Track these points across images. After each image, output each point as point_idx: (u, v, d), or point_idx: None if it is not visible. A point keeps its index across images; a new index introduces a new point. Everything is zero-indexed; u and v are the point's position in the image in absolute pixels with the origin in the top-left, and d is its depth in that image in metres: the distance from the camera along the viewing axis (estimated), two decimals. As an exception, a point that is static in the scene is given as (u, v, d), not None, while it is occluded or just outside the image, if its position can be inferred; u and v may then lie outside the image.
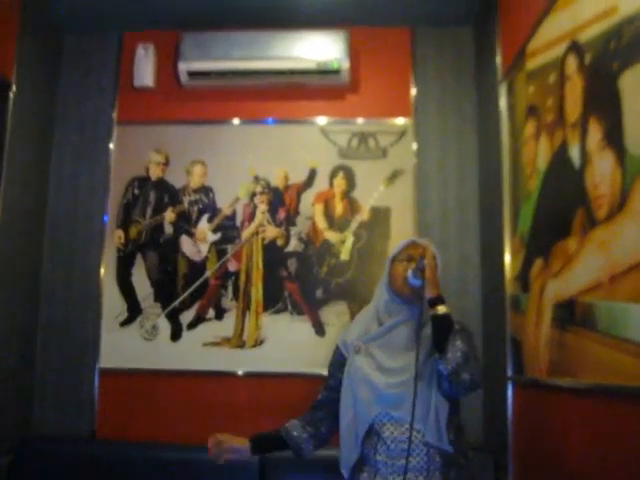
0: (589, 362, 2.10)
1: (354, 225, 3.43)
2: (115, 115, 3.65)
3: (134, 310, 3.43)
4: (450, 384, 2.08)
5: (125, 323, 3.42)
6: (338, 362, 2.30)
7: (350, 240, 3.41)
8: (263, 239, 3.44)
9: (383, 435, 2.11)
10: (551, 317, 2.40)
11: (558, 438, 2.40)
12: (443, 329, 2.07)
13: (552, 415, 2.46)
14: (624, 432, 1.90)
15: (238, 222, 3.48)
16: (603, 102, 2.03)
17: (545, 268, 2.46)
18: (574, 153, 2.23)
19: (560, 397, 2.36)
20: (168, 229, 3.49)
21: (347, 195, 3.48)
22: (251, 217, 3.47)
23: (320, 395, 2.33)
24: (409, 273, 2.14)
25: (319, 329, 3.36)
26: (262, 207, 3.47)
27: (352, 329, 2.33)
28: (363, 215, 3.44)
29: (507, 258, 2.94)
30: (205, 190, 3.52)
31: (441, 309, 2.08)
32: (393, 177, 3.48)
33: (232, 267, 3.43)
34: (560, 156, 2.36)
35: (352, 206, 3.47)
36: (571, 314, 2.22)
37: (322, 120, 3.58)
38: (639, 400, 1.80)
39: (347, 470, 2.18)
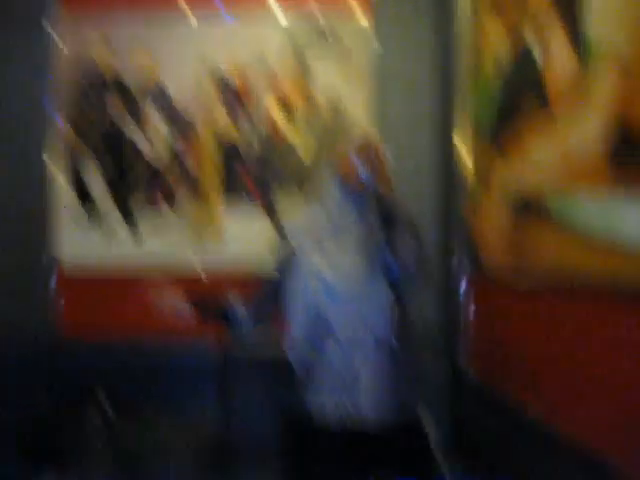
0: (546, 256, 2.13)
1: (311, 121, 3.38)
2: (59, 6, 3.44)
3: (88, 206, 3.39)
4: (399, 277, 2.13)
5: (79, 220, 3.38)
6: (286, 256, 2.28)
7: (307, 135, 3.38)
8: (218, 133, 3.38)
9: (332, 327, 2.14)
10: (506, 209, 2.42)
11: (515, 331, 2.48)
12: (392, 224, 2.07)
13: (509, 309, 2.52)
14: (581, 327, 1.96)
15: (193, 117, 3.39)
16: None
17: (503, 164, 2.46)
18: (534, 45, 2.19)
19: (517, 292, 2.41)
20: (120, 124, 3.39)
21: (305, 92, 3.40)
22: (206, 112, 3.39)
23: (265, 285, 2.33)
24: (359, 167, 2.11)
25: (276, 220, 3.37)
26: (217, 102, 3.39)
27: (300, 222, 2.32)
28: (320, 111, 3.38)
29: (463, 150, 2.94)
30: (158, 85, 3.41)
31: (391, 203, 2.07)
32: (351, 74, 3.39)
33: (187, 161, 3.38)
34: (519, 48, 2.33)
35: (310, 103, 3.40)
36: (527, 207, 2.24)
37: (281, 15, 3.44)
38: (595, 294, 1.85)
39: (294, 355, 2.23)
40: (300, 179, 3.38)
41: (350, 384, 2.13)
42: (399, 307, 2.20)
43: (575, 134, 1.90)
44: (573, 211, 1.92)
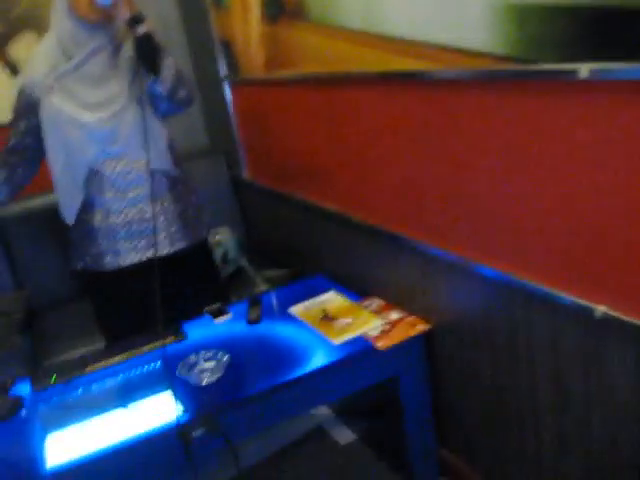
0: (306, 53, 2.17)
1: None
2: None
3: None
4: (169, 104, 2.07)
5: None
6: (28, 104, 2.04)
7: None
8: None
9: (105, 173, 2.05)
10: (260, 13, 2.38)
11: (278, 125, 2.57)
12: (150, 49, 1.94)
13: (272, 105, 2.60)
14: (336, 107, 2.12)
15: None
16: None
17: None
18: None
19: (280, 89, 2.47)
20: None
21: None
22: None
23: (11, 141, 2.09)
24: None
25: (12, 69, 3.00)
26: None
27: (36, 66, 2.04)
28: None
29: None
30: None
31: (143, 28, 1.91)
32: None
33: None
34: None
35: None
36: (280, 8, 2.23)
37: None
38: (359, 83, 1.96)
39: (71, 216, 2.12)
40: (26, 10, 2.97)
41: (140, 225, 2.12)
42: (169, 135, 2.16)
43: None
44: (329, 7, 1.95)
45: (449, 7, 1.49)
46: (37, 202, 2.91)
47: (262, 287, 2.69)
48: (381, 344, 1.91)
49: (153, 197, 2.09)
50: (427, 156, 1.78)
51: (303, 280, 2.46)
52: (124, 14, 1.90)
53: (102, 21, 1.96)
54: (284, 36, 2.26)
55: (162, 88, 2.00)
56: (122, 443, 1.67)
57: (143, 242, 2.14)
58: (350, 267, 2.34)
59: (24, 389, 1.99)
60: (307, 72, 2.19)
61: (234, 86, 2.84)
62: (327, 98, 2.17)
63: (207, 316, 2.24)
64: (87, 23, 1.95)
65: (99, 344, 2.44)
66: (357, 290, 2.25)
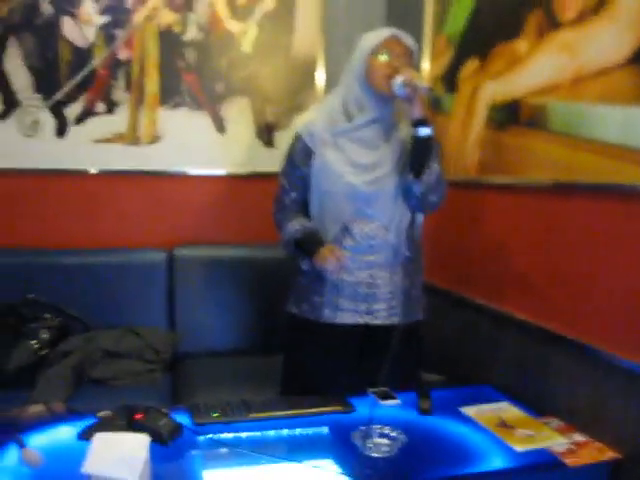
0: (534, 160, 2.21)
1: (258, 15, 3.16)
2: None
3: (11, 103, 2.98)
4: (416, 203, 2.12)
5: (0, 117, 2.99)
6: (304, 154, 2.16)
7: (253, 31, 3.16)
8: (158, 25, 3.07)
9: (353, 231, 2.11)
10: (486, 118, 2.45)
11: (478, 228, 2.58)
12: (424, 152, 2.03)
13: (477, 210, 2.60)
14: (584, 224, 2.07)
15: (129, 3, 3.03)
16: None
17: (481, 69, 2.47)
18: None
19: (491, 194, 2.49)
20: (46, 8, 2.96)
21: (251, -19, 3.16)
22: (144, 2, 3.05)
23: (295, 194, 2.21)
24: (398, 81, 1.97)
25: (220, 125, 3.18)
26: (157, -8, 3.07)
27: (316, 120, 2.18)
28: (267, 4, 3.16)
29: (426, 58, 2.90)
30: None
31: (425, 131, 2.01)
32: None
33: (123, 55, 3.05)
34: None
35: (256, -4, 3.17)
36: (514, 115, 2.29)
37: None
38: (598, 195, 1.96)
39: (309, 263, 2.16)
40: (247, 76, 3.19)
41: (367, 289, 2.15)
42: (413, 220, 2.20)
43: (589, 44, 1.94)
44: (579, 118, 1.99)
45: None
46: (211, 251, 3.04)
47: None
48: (570, 461, 1.79)
49: (387, 267, 2.15)
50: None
51: (469, 387, 2.37)
52: (416, 113, 2.01)
53: (389, 96, 2.07)
54: (510, 143, 2.31)
55: (417, 189, 2.07)
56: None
57: (363, 306, 2.16)
58: (525, 381, 2.25)
59: (181, 418, 1.95)
60: (541, 178, 2.20)
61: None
62: (555, 208, 2.17)
63: (372, 396, 2.18)
64: (376, 94, 2.08)
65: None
66: (531, 407, 2.16)
